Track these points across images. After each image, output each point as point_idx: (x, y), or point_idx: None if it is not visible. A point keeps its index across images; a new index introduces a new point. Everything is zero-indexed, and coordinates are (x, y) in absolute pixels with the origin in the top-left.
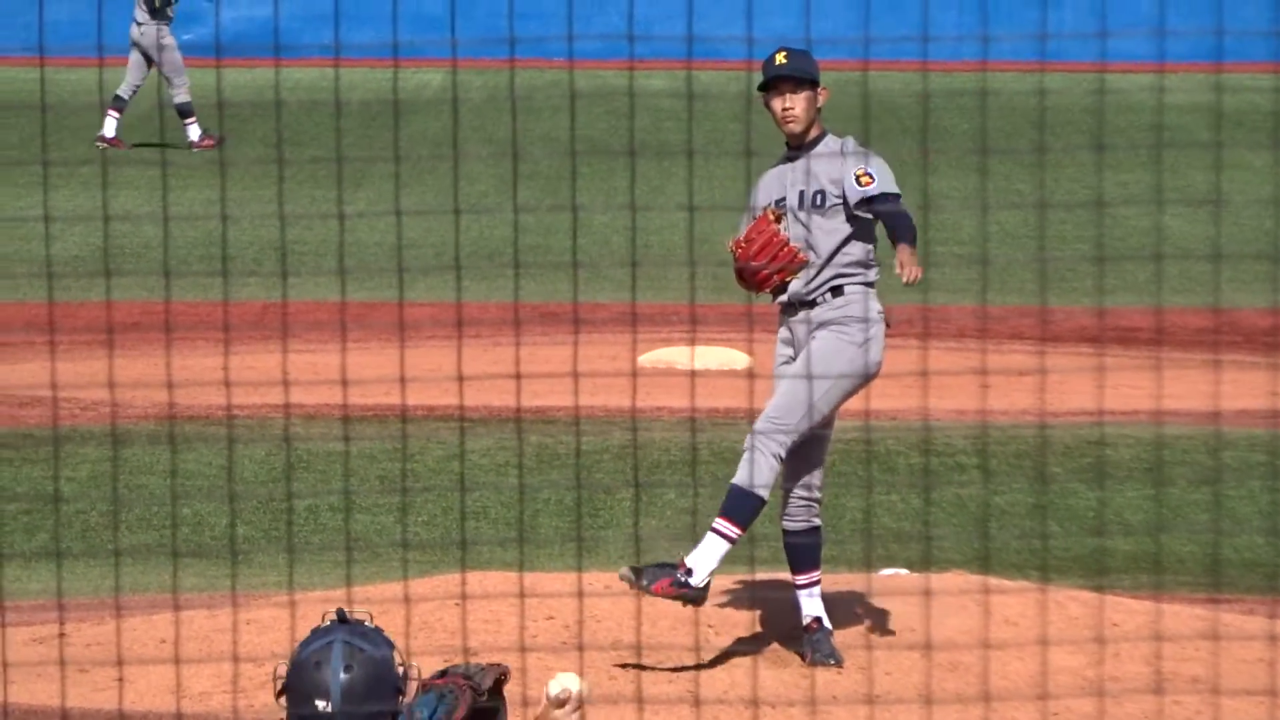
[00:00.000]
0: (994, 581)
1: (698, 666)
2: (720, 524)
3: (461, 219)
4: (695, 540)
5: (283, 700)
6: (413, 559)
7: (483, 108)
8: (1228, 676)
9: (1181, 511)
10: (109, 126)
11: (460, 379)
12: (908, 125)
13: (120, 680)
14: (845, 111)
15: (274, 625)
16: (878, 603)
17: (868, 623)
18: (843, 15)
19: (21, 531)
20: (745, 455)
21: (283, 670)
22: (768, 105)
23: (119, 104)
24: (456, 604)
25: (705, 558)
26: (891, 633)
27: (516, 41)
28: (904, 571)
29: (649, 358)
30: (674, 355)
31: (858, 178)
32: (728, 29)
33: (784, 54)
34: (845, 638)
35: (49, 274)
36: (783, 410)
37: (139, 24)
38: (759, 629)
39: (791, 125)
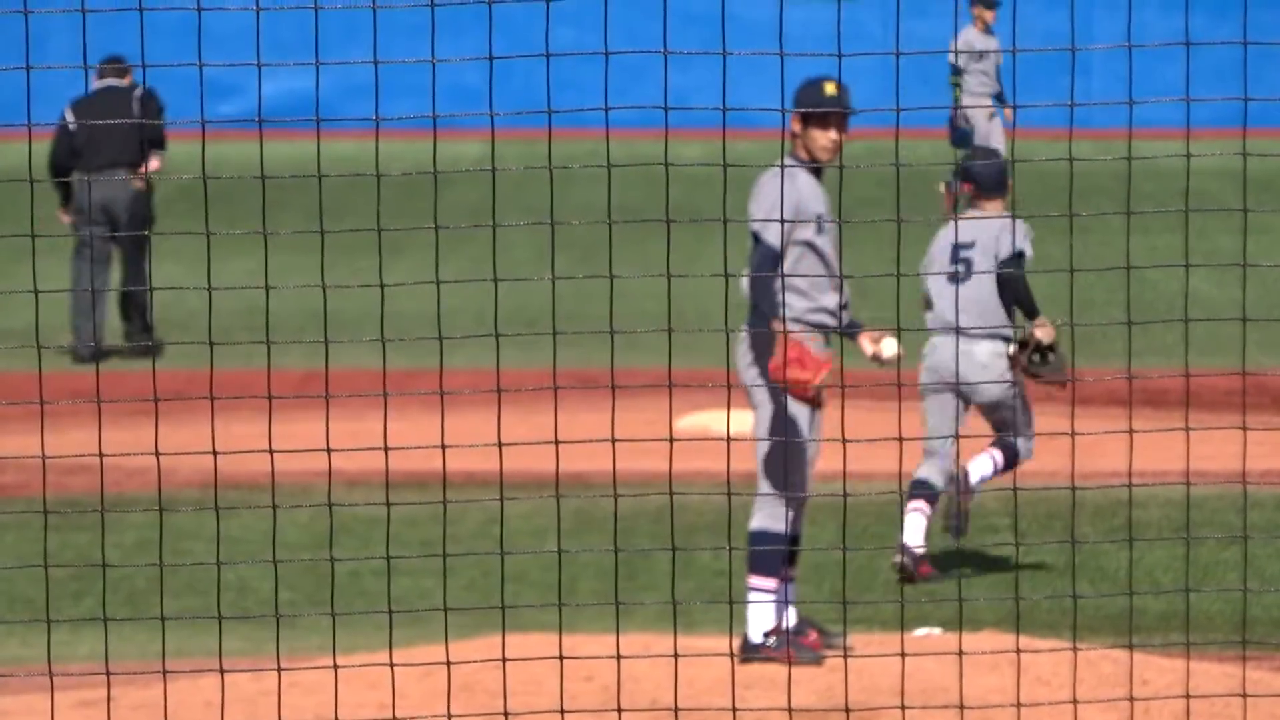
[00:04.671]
0: (1026, 640)
1: None
2: None
3: (500, 287)
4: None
5: None
6: (453, 621)
7: (520, 177)
8: None
9: (1211, 570)
10: None
11: (499, 444)
12: (939, 191)
13: None
14: (878, 177)
15: (318, 688)
16: (912, 663)
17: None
18: (875, 84)
19: (69, 597)
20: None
21: None
22: (805, 128)
23: None
24: (497, 666)
25: None
26: (925, 692)
27: (553, 112)
28: (937, 631)
29: (686, 422)
30: (710, 420)
31: None
32: (762, 99)
33: (835, 86)
34: (879, 697)
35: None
36: None
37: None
38: (795, 687)
39: (832, 158)
